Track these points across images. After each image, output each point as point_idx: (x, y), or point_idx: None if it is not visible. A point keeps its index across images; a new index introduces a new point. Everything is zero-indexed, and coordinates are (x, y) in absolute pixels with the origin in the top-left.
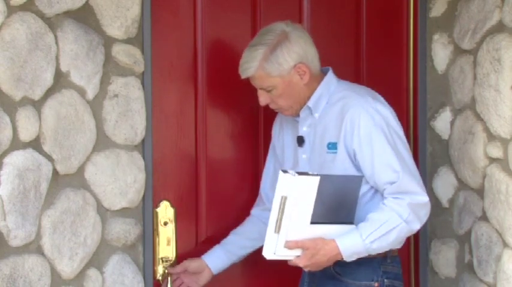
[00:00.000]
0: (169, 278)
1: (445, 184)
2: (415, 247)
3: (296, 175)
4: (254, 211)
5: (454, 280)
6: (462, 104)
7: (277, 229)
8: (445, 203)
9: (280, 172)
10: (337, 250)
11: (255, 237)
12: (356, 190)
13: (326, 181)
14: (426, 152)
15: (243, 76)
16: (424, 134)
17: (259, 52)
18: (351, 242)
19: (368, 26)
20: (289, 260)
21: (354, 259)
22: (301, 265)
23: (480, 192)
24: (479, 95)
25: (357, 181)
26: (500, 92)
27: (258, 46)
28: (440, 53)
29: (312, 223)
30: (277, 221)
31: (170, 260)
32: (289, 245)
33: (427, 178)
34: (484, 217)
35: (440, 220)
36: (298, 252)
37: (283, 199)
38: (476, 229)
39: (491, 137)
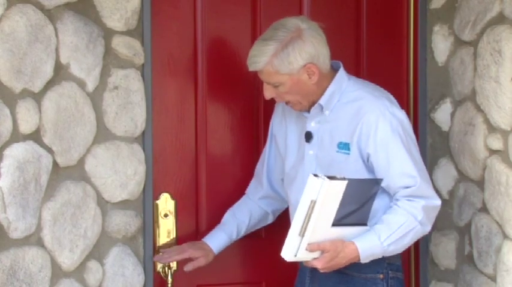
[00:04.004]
0: (169, 271)
1: (445, 175)
2: None
3: (326, 179)
4: (253, 197)
5: (454, 271)
6: (462, 96)
7: (303, 232)
8: (445, 194)
9: (311, 176)
10: (356, 253)
11: (258, 224)
12: (374, 193)
13: (350, 184)
14: (426, 144)
15: (251, 69)
16: (424, 126)
17: (270, 48)
18: (370, 244)
19: (368, 18)
20: (307, 261)
21: (368, 261)
22: (319, 266)
23: (480, 184)
24: (479, 87)
25: (375, 183)
26: (500, 84)
27: (270, 41)
28: (440, 44)
29: (332, 225)
30: (303, 224)
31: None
32: (312, 248)
33: (427, 170)
34: (484, 209)
35: (440, 212)
36: (316, 254)
37: (312, 203)
38: (476, 220)
39: (491, 128)
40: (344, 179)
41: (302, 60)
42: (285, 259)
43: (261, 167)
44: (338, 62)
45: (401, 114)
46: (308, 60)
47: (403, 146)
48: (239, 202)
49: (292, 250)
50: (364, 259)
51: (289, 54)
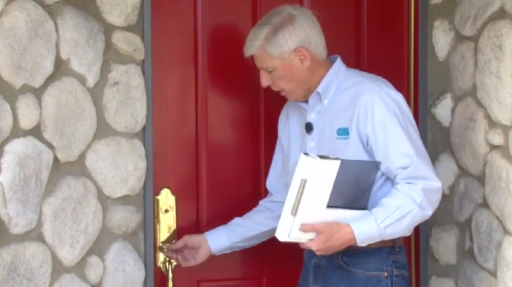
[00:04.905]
0: (170, 266)
1: (445, 171)
2: (415, 234)
3: (317, 158)
4: (263, 202)
5: (454, 266)
6: (463, 91)
7: (294, 211)
8: (445, 190)
9: (302, 155)
10: (352, 235)
11: (259, 221)
12: (372, 175)
13: (344, 165)
14: (427, 139)
15: (246, 54)
16: (424, 121)
17: (262, 32)
18: (366, 226)
19: (369, 13)
20: (302, 242)
21: (366, 244)
22: (314, 248)
23: (481, 179)
24: (480, 82)
25: (373, 166)
26: (501, 79)
27: (263, 26)
28: (441, 39)
29: (327, 206)
30: (294, 203)
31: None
32: (305, 228)
33: None
34: (485, 204)
35: (441, 207)
36: (312, 235)
37: (303, 182)
38: (476, 215)
39: (492, 124)
40: (337, 159)
41: (293, 44)
42: (279, 239)
43: (271, 174)
44: (336, 55)
45: (398, 96)
46: (299, 44)
47: (400, 127)
48: (251, 210)
49: (285, 229)
50: (362, 242)
51: (279, 37)
